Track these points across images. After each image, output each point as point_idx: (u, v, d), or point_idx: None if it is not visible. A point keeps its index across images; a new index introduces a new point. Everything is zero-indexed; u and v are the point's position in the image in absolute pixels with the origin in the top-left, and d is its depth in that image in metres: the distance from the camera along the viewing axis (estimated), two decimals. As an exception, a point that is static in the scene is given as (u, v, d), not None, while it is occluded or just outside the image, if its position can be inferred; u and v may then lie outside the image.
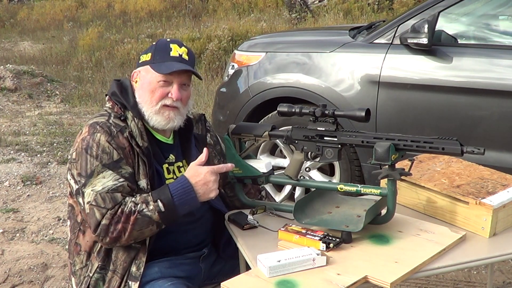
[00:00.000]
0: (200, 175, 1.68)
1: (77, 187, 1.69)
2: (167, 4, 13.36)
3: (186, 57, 1.81)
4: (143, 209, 1.63)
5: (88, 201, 1.65)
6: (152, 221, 1.64)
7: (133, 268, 1.71)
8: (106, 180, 1.66)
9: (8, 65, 8.11)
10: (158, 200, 1.64)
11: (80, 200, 1.68)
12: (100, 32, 11.52)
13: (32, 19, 14.80)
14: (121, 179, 1.67)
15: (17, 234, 3.44)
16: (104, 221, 1.63)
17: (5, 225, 3.54)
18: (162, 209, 1.63)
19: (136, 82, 1.83)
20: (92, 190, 1.65)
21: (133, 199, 1.66)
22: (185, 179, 1.68)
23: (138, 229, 1.63)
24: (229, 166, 1.76)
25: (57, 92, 7.61)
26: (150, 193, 1.68)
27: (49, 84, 7.82)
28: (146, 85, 1.78)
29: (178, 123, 1.82)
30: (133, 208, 1.63)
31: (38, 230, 3.49)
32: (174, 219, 1.68)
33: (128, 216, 1.62)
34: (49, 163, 4.70)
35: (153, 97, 1.77)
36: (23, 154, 4.95)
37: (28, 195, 4.05)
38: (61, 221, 3.60)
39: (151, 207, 1.63)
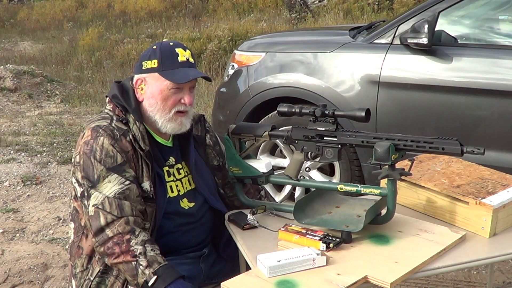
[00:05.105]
0: None
1: (81, 190, 1.69)
2: (167, 4, 13.35)
3: (192, 60, 1.81)
4: (141, 263, 1.60)
5: (95, 203, 1.65)
6: (135, 276, 1.60)
7: None
8: (112, 185, 1.66)
9: (8, 65, 8.11)
10: (156, 276, 1.58)
11: (86, 202, 1.68)
12: (100, 32, 11.52)
13: (32, 19, 14.80)
14: (127, 182, 1.68)
15: (17, 234, 3.44)
16: (108, 232, 1.63)
17: (5, 225, 3.54)
18: (150, 283, 1.58)
19: (141, 89, 1.81)
20: (99, 193, 1.65)
21: (146, 244, 1.62)
22: None
23: (122, 268, 1.62)
24: None
25: (57, 92, 7.61)
26: (159, 264, 1.61)
27: (49, 84, 7.82)
28: (157, 93, 1.77)
29: (189, 125, 1.84)
30: (136, 252, 1.61)
31: (38, 230, 3.49)
32: None
33: (127, 252, 1.61)
34: (49, 163, 4.70)
35: (166, 105, 1.77)
36: (23, 154, 4.95)
37: (28, 195, 4.05)
38: (61, 221, 3.60)
39: (146, 271, 1.59)
